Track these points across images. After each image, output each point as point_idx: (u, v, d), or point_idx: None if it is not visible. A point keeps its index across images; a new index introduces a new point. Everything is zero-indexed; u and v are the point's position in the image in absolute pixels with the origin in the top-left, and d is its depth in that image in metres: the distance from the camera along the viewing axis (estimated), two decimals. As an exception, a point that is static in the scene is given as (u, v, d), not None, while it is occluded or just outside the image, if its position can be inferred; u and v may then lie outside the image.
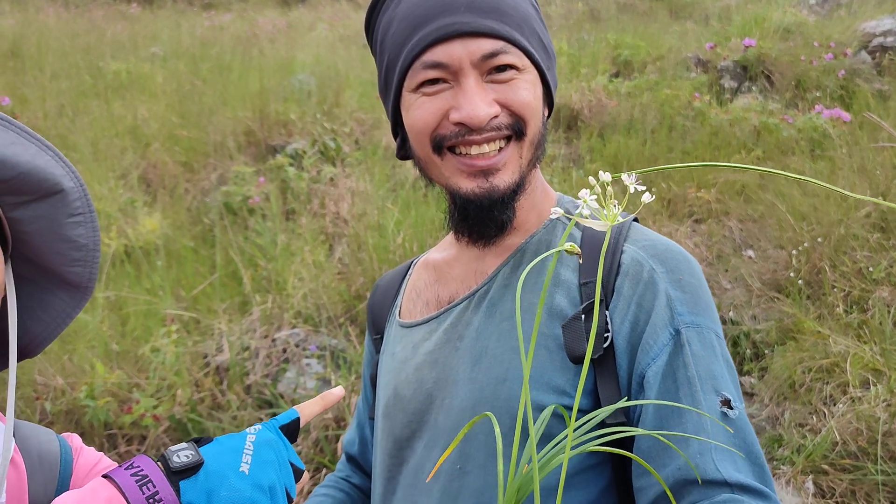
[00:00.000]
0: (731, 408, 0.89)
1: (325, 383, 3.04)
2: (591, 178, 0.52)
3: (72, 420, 2.72)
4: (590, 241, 1.04)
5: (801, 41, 6.70)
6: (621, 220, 0.49)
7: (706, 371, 0.91)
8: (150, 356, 2.86)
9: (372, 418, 1.28)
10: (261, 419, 2.86)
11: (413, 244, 3.93)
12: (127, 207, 4.35)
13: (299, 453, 2.73)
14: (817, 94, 6.01)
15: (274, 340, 3.21)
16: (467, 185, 1.02)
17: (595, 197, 0.51)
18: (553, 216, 0.66)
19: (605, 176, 0.52)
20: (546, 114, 1.11)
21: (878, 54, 6.46)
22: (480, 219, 1.04)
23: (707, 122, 5.47)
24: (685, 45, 7.15)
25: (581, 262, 1.03)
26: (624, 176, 0.53)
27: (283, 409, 2.92)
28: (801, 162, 4.68)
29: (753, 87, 6.32)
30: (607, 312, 0.97)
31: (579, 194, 0.53)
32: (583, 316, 0.97)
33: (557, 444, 0.78)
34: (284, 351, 3.19)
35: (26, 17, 9.55)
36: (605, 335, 0.96)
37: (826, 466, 2.51)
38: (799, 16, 7.44)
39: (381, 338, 1.27)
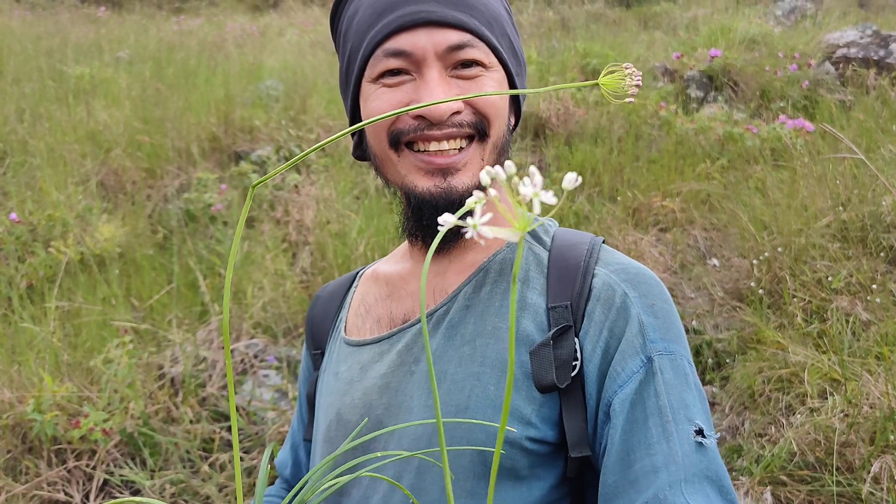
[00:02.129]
0: (705, 436, 0.84)
1: (282, 395, 2.99)
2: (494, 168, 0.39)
3: (18, 434, 2.65)
4: (558, 260, 0.99)
5: (767, 52, 6.77)
6: (535, 224, 0.37)
7: (678, 400, 0.86)
8: (102, 368, 2.79)
9: (308, 440, 1.20)
10: (215, 432, 2.80)
11: (375, 253, 3.89)
12: (85, 214, 4.26)
13: (252, 470, 2.68)
14: (782, 105, 6.07)
15: (231, 351, 3.15)
16: (423, 184, 0.96)
17: (529, 187, 0.37)
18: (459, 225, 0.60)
19: (509, 166, 0.39)
20: (512, 122, 1.07)
21: (841, 65, 6.54)
22: (435, 221, 0.95)
23: (673, 132, 5.50)
24: (653, 55, 7.20)
25: (548, 284, 0.97)
26: (568, 178, 0.39)
27: (239, 422, 2.87)
28: (764, 171, 4.71)
29: (719, 97, 6.37)
30: (577, 339, 0.92)
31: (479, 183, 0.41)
32: (552, 342, 0.91)
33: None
34: (242, 362, 3.13)
35: (-12, 19, 9.40)
36: (574, 363, 0.91)
37: (784, 477, 2.51)
38: (764, 27, 7.52)
39: (322, 353, 1.19)
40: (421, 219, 0.99)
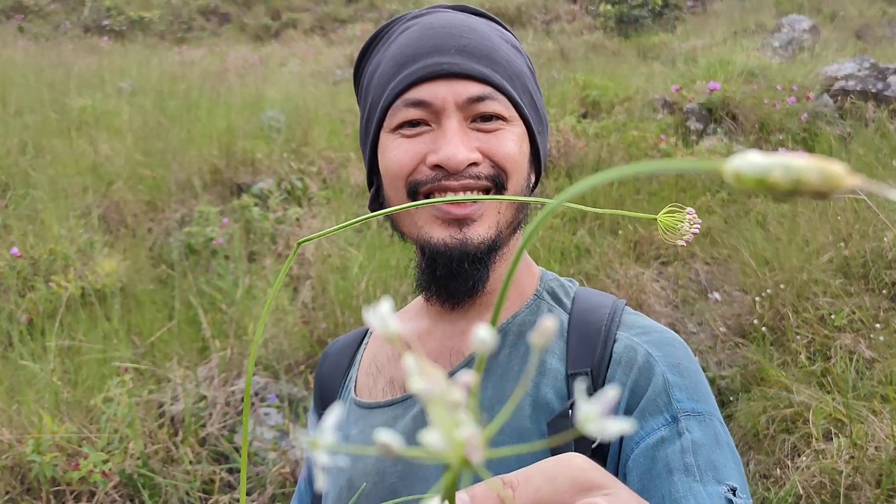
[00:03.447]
0: (736, 496, 0.77)
1: (283, 435, 2.97)
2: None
3: (17, 475, 2.62)
4: (579, 325, 0.96)
5: (765, 84, 6.81)
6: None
7: (707, 462, 0.81)
8: (101, 407, 2.77)
9: None
10: (215, 473, 2.78)
11: (377, 289, 3.88)
12: (86, 249, 4.26)
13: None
14: (781, 137, 6.09)
15: (232, 390, 3.13)
16: (439, 235, 0.94)
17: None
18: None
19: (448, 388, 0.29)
20: (532, 179, 1.05)
21: (839, 98, 6.58)
22: (450, 273, 0.94)
23: (673, 164, 5.51)
24: (652, 87, 7.24)
25: (568, 349, 0.94)
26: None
27: (238, 463, 2.84)
28: (765, 205, 4.71)
29: (719, 129, 6.40)
30: None
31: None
32: (570, 411, 0.88)
33: None
34: (242, 400, 3.11)
35: (-7, 51, 9.47)
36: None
37: (790, 521, 2.49)
38: (763, 59, 7.57)
39: None
40: (435, 270, 0.96)
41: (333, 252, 4.32)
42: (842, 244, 3.78)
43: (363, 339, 1.20)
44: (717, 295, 4.19)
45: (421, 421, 0.98)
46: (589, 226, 4.92)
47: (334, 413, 0.32)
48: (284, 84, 8.56)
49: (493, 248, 0.95)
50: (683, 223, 0.57)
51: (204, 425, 2.94)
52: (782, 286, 3.64)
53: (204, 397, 3.05)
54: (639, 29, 10.31)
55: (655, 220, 0.60)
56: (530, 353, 0.96)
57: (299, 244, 0.47)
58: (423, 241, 0.96)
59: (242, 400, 3.08)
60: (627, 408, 0.88)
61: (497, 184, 0.95)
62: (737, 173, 0.27)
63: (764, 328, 3.51)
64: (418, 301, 1.13)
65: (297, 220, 4.92)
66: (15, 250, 4.02)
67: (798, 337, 3.37)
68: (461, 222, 0.94)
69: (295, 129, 6.47)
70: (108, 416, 2.73)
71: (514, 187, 0.97)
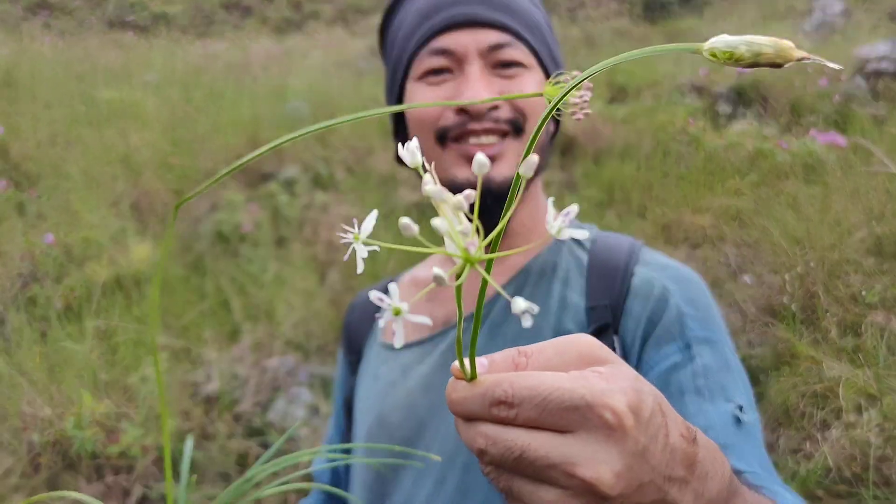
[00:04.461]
0: (743, 412, 0.83)
1: (315, 412, 3.00)
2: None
3: (59, 452, 2.68)
4: (599, 263, 1.01)
5: (796, 67, 6.71)
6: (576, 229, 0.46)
7: (716, 383, 0.86)
8: (138, 385, 2.82)
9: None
10: (249, 448, 2.82)
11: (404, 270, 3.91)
12: (118, 236, 4.32)
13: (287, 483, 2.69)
14: (812, 119, 6.02)
15: (264, 369, 3.18)
16: (463, 173, 0.99)
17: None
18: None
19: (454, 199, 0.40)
20: (552, 128, 1.10)
21: (873, 79, 6.48)
22: (473, 210, 0.97)
23: (702, 148, 5.47)
24: (680, 71, 7.19)
25: (588, 285, 0.99)
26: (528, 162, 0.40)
27: (272, 438, 2.88)
28: (796, 186, 4.67)
29: (748, 113, 6.34)
30: (616, 337, 0.94)
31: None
32: None
33: None
34: (274, 379, 3.15)
35: (20, 45, 9.58)
36: None
37: (820, 493, 2.48)
38: (794, 41, 7.47)
39: (359, 359, 1.20)
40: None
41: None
42: (874, 223, 3.75)
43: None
44: (747, 278, 4.16)
45: (448, 355, 1.02)
46: (617, 209, 4.90)
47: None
48: (308, 75, 8.59)
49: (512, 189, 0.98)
50: (574, 97, 0.54)
51: (237, 403, 2.99)
52: (813, 265, 3.61)
53: (236, 376, 3.10)
54: (666, 14, 10.22)
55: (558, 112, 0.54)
56: (551, 290, 1.01)
57: (178, 206, 0.47)
58: (449, 182, 1.01)
59: (273, 378, 3.12)
60: (644, 336, 0.93)
61: (515, 127, 1.00)
62: (712, 50, 0.35)
63: (794, 307, 3.49)
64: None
65: (324, 206, 4.95)
66: (50, 238, 4.09)
67: (829, 315, 3.35)
68: None
69: (319, 118, 6.49)
70: (145, 395, 2.78)
71: (532, 130, 0.99)
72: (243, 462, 2.79)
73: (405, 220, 0.38)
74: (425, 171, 0.42)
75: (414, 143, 0.44)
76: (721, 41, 0.35)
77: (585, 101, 0.55)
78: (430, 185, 0.40)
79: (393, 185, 5.25)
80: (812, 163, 4.96)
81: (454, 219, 0.40)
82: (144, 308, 3.56)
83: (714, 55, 0.35)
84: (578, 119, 0.55)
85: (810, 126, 5.84)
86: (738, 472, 0.76)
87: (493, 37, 0.98)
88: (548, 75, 1.04)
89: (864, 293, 3.37)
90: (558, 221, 0.41)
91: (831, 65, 0.33)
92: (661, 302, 0.94)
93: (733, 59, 0.35)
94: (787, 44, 0.33)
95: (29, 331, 3.36)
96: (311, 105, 6.81)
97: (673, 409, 0.54)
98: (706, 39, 0.39)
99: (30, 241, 4.13)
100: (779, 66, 0.34)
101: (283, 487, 0.63)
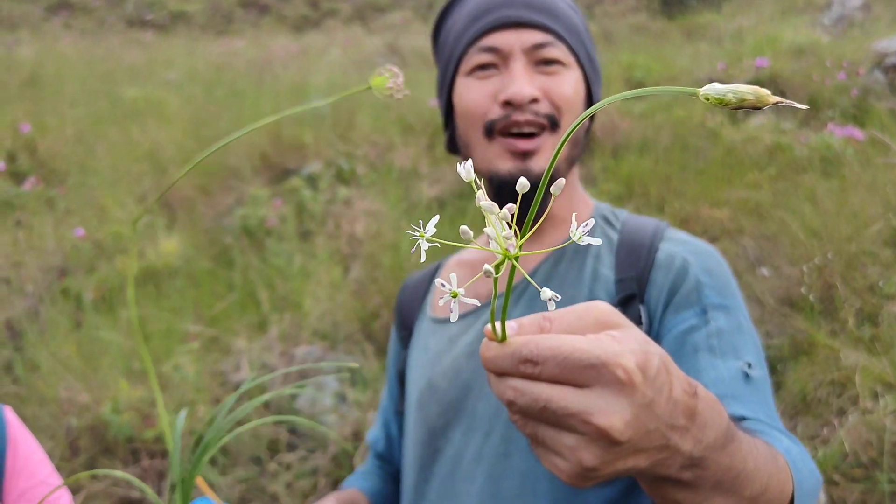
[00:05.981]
0: (751, 368, 0.93)
1: (342, 400, 3.08)
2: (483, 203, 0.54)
3: (96, 436, 2.77)
4: (627, 241, 1.10)
5: (814, 61, 6.73)
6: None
7: (729, 344, 0.96)
8: (171, 373, 2.91)
9: (399, 412, 1.31)
10: (279, 434, 2.91)
11: (428, 264, 3.97)
12: (145, 230, 4.42)
13: (316, 469, 2.77)
14: (830, 114, 6.03)
15: (291, 357, 3.26)
16: (505, 166, 1.09)
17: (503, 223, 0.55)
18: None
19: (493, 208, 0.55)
20: (587, 123, 1.22)
21: (891, 73, 6.47)
22: (514, 199, 1.06)
23: (720, 142, 5.50)
24: (698, 66, 7.20)
25: (617, 261, 1.08)
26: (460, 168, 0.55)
27: (301, 426, 2.96)
28: (814, 180, 4.70)
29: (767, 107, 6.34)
30: (642, 306, 1.03)
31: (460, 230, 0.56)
32: (618, 308, 1.01)
33: None
34: (302, 368, 3.23)
35: (45, 45, 9.73)
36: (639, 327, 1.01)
37: (837, 477, 2.53)
38: (812, 36, 7.48)
39: (410, 333, 1.30)
40: (501, 198, 1.10)
41: (384, 230, 4.42)
42: (891, 215, 3.78)
43: (437, 270, 1.35)
44: (765, 270, 4.20)
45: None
46: (636, 203, 4.94)
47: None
48: (327, 72, 8.66)
49: (551, 178, 1.06)
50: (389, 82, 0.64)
51: (266, 390, 3.07)
52: (830, 256, 3.65)
53: (265, 365, 3.18)
54: (684, 9, 10.22)
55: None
56: (584, 265, 1.10)
57: (160, 192, 0.57)
58: (493, 173, 1.11)
59: (301, 366, 3.20)
60: (665, 303, 1.02)
61: (552, 122, 1.09)
62: (706, 95, 0.46)
63: (812, 298, 3.53)
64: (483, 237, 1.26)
65: (346, 200, 5.03)
66: (80, 232, 4.19)
67: (847, 305, 3.38)
68: (525, 155, 1.08)
69: (340, 114, 6.57)
70: (177, 382, 2.86)
71: (567, 126, 1.10)
72: (274, 447, 2.88)
73: (464, 228, 0.55)
74: (479, 187, 0.55)
75: (469, 164, 0.56)
76: (712, 89, 0.46)
77: (400, 84, 0.65)
78: (483, 200, 0.55)
79: (414, 180, 5.32)
80: (830, 156, 4.99)
81: (498, 224, 0.55)
82: (174, 299, 3.65)
83: (707, 99, 0.46)
84: (399, 99, 0.65)
85: (828, 120, 5.85)
86: (741, 419, 0.88)
87: (536, 36, 1.09)
88: (585, 74, 1.14)
89: (881, 284, 3.41)
90: (579, 230, 0.55)
91: (800, 106, 0.45)
92: (682, 272, 1.03)
93: (723, 104, 0.46)
94: (765, 91, 0.44)
95: (64, 321, 3.46)
96: (332, 102, 6.87)
97: (677, 367, 0.65)
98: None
99: (60, 236, 4.24)
100: (759, 108, 0.45)
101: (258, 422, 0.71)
